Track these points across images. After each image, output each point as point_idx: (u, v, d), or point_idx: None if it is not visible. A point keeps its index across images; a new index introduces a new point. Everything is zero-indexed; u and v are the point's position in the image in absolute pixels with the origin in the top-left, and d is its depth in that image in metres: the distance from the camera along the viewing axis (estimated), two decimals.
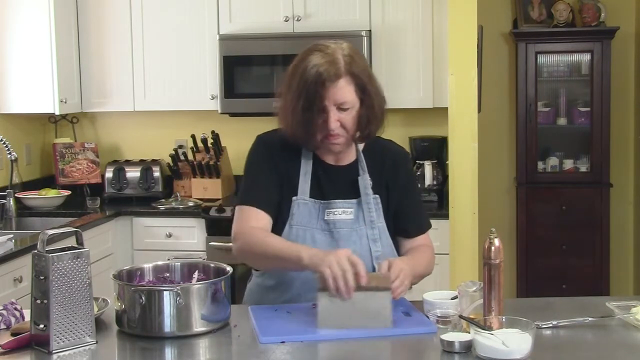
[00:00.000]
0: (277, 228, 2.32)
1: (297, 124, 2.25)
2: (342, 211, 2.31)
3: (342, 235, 2.30)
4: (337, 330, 2.03)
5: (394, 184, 2.37)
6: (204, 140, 4.69)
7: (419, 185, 4.54)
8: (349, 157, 2.37)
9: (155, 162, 4.84)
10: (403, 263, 2.17)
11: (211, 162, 4.68)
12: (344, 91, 2.21)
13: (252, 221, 2.28)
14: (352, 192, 2.33)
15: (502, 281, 2.01)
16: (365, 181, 2.33)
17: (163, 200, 4.65)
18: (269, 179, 2.32)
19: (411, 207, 2.41)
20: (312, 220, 2.31)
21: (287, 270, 2.26)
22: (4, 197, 4.24)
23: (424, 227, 2.45)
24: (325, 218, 2.31)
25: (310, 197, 2.31)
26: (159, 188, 4.77)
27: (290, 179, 2.33)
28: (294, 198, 2.31)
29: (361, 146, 2.38)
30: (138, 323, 2.02)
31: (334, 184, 2.34)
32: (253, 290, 2.44)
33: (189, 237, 4.40)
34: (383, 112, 2.31)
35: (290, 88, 2.25)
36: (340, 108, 2.22)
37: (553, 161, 5.27)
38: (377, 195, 2.34)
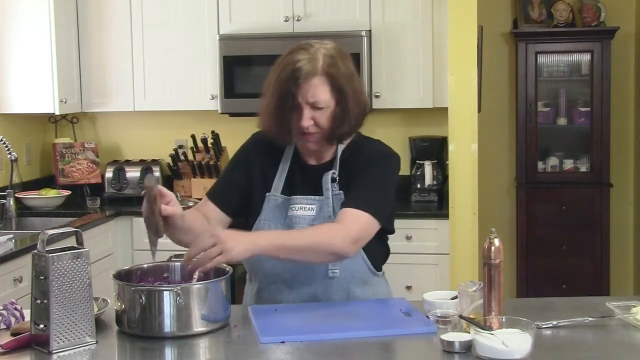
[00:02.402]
0: (250, 222, 2.36)
1: (270, 119, 2.29)
2: (300, 207, 2.33)
3: None
4: (338, 332, 2.04)
5: (355, 173, 2.33)
6: (204, 140, 4.69)
7: (418, 185, 4.54)
8: (327, 156, 2.38)
9: (155, 162, 4.84)
10: (227, 236, 2.05)
11: (211, 162, 4.68)
12: (317, 90, 2.22)
13: (203, 209, 2.40)
14: (319, 189, 2.34)
15: (502, 281, 2.01)
16: (327, 177, 2.33)
17: None
18: (238, 180, 2.38)
19: (356, 187, 2.28)
20: (278, 215, 2.34)
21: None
22: (4, 197, 4.24)
23: (353, 204, 2.22)
24: (289, 214, 2.33)
25: (282, 193, 2.35)
26: None
27: (268, 176, 2.37)
28: (267, 194, 2.36)
29: (342, 146, 2.37)
30: (138, 323, 2.02)
31: (305, 182, 2.36)
32: (246, 285, 2.49)
33: None
34: (361, 115, 2.31)
35: (269, 85, 2.28)
36: (314, 107, 2.23)
37: (553, 161, 5.27)
38: (341, 192, 2.33)
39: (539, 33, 5.14)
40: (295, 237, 2.19)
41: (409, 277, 4.06)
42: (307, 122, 2.23)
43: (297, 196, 2.34)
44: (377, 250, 2.38)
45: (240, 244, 2.05)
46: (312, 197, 2.33)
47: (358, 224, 2.20)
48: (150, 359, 1.97)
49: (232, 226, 2.38)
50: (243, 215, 2.41)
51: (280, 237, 2.17)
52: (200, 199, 4.55)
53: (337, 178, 2.33)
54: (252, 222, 2.36)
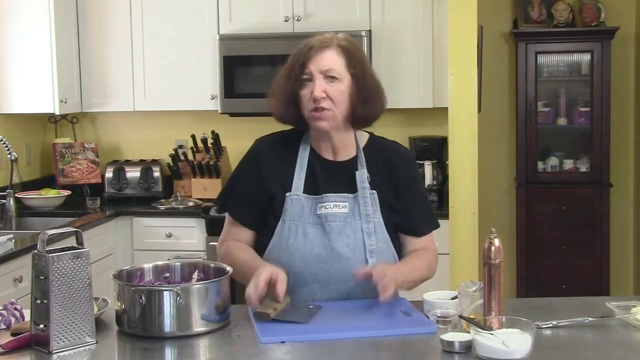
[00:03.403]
0: (271, 225, 2.33)
1: (275, 92, 2.30)
2: (334, 205, 2.31)
3: (333, 228, 2.29)
4: (338, 332, 2.04)
5: (395, 183, 2.36)
6: (204, 140, 4.69)
7: None
8: (348, 153, 2.36)
9: (155, 162, 4.84)
10: (390, 269, 2.20)
11: (211, 162, 4.68)
12: (331, 59, 2.23)
13: (235, 235, 2.40)
14: (348, 186, 2.33)
15: (502, 281, 2.01)
16: (362, 175, 2.33)
17: (163, 200, 4.65)
18: (256, 194, 2.36)
19: (415, 206, 2.40)
20: (305, 215, 2.31)
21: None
22: (4, 197, 4.24)
23: (429, 227, 2.44)
24: (318, 212, 2.31)
25: (304, 192, 2.32)
26: (159, 188, 4.77)
27: (284, 177, 2.34)
28: (287, 194, 2.32)
29: (362, 143, 2.38)
30: (138, 323, 2.02)
31: (330, 179, 2.34)
32: None
33: (189, 237, 4.40)
34: (380, 106, 2.32)
35: (283, 69, 2.31)
36: (328, 76, 2.22)
37: (553, 161, 5.27)
38: (374, 191, 2.33)
39: (539, 33, 5.14)
40: (415, 271, 2.34)
41: None
42: (319, 92, 2.21)
43: (329, 194, 2.31)
44: (398, 245, 2.40)
45: (395, 281, 2.19)
46: (344, 194, 2.31)
47: (435, 245, 2.46)
48: (150, 358, 1.97)
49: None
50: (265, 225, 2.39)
51: (408, 273, 2.30)
52: (200, 200, 4.59)
53: (369, 177, 2.33)
54: (273, 224, 2.32)
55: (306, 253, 2.28)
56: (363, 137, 2.40)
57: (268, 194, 2.34)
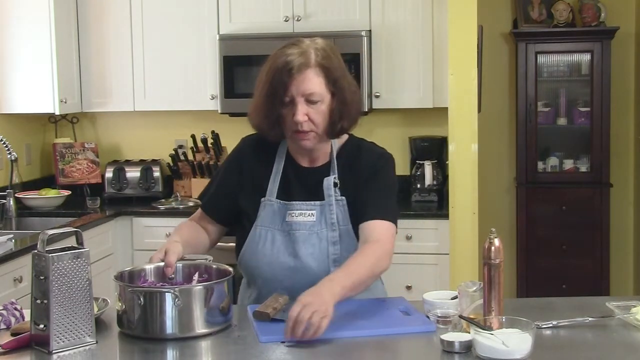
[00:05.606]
0: (247, 228, 2.34)
1: (260, 112, 2.26)
2: (300, 213, 2.30)
3: (298, 237, 2.28)
4: (337, 331, 2.03)
5: (359, 180, 2.31)
6: (204, 140, 4.69)
7: (418, 185, 4.54)
8: (322, 159, 2.35)
9: (155, 162, 4.84)
10: (314, 296, 1.99)
11: (211, 162, 4.68)
12: (313, 82, 2.20)
13: (201, 221, 2.49)
14: (318, 193, 2.31)
15: (502, 281, 2.01)
16: (329, 182, 2.30)
17: (163, 200, 4.65)
18: (231, 190, 2.39)
19: (369, 194, 2.29)
20: (275, 221, 2.31)
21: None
22: (4, 197, 4.24)
23: (378, 215, 2.25)
24: (287, 220, 2.30)
25: (277, 198, 2.32)
26: (159, 188, 4.77)
27: (261, 181, 2.34)
28: (262, 199, 2.32)
29: (337, 148, 2.35)
30: (138, 324, 2.02)
31: (303, 186, 2.33)
32: (240, 289, 2.48)
33: None
34: (357, 110, 2.31)
35: (260, 80, 2.28)
36: (309, 100, 2.21)
37: (553, 161, 5.27)
38: (343, 197, 2.30)
39: (539, 33, 5.14)
40: (357, 271, 2.12)
41: (409, 277, 4.06)
42: (301, 116, 2.20)
43: (296, 202, 2.31)
44: None
45: (329, 302, 1.98)
46: (312, 202, 2.30)
47: (389, 237, 2.25)
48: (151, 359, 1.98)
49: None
50: (238, 223, 2.40)
51: (348, 278, 2.08)
52: (200, 199, 4.58)
53: (338, 183, 2.30)
54: (248, 228, 2.33)
55: (273, 259, 2.29)
56: (341, 140, 2.37)
57: (245, 192, 2.35)
